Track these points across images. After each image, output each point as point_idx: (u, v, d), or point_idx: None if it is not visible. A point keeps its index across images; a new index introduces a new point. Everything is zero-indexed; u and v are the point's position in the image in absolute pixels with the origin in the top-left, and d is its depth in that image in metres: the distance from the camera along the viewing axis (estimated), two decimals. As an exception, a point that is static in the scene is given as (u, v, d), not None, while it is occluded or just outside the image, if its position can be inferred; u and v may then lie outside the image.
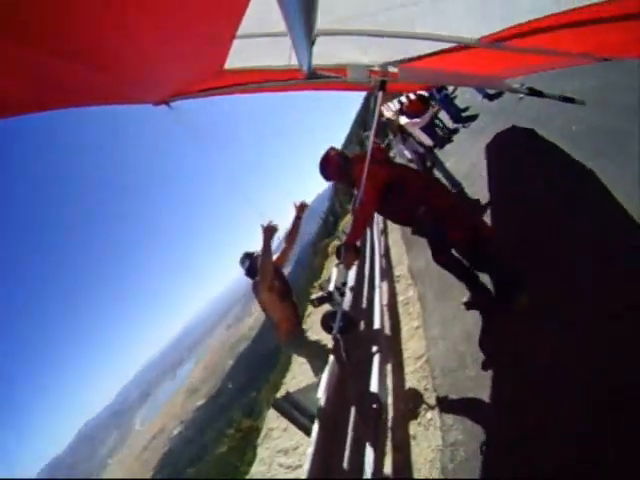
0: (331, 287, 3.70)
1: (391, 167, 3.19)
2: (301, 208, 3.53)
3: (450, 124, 9.05)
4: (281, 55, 2.09)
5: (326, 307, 4.49)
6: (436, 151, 8.01)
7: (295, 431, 4.55)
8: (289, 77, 2.52)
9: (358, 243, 3.24)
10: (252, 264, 3.34)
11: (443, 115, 9.18)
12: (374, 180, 2.76)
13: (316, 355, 3.36)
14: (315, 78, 2.24)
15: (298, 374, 6.43)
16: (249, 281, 3.42)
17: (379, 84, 2.40)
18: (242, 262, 3.45)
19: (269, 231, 3.07)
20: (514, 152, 5.30)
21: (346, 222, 17.80)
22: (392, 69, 2.48)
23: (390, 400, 3.24)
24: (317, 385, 2.62)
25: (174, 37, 1.42)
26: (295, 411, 2.58)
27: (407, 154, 8.08)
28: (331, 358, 2.55)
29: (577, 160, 3.76)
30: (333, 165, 3.15)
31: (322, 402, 2.11)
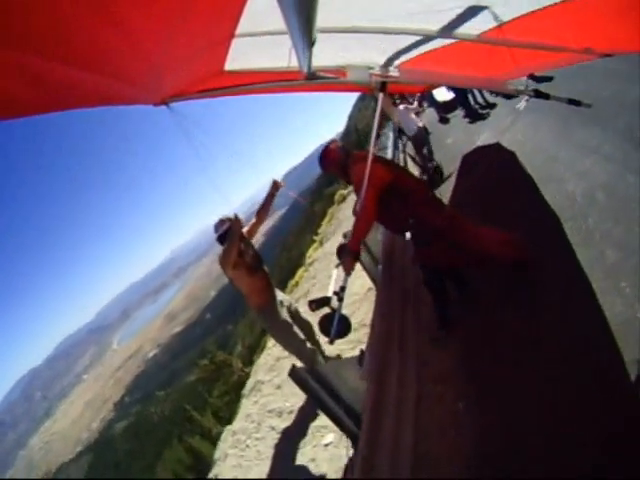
0: (330, 291, 3.50)
1: (394, 170, 2.98)
2: (276, 187, 3.57)
3: (490, 97, 8.14)
4: (281, 56, 2.09)
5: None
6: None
7: (291, 392, 4.11)
8: (289, 78, 2.55)
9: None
10: (224, 233, 3.30)
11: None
12: (375, 180, 2.57)
13: (285, 336, 3.42)
14: (315, 79, 2.27)
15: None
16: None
17: (379, 85, 2.42)
18: (216, 228, 3.36)
19: (237, 225, 3.18)
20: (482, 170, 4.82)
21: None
22: (392, 70, 2.50)
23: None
24: (347, 363, 2.21)
25: (175, 39, 1.43)
26: (318, 385, 2.14)
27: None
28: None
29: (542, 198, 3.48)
30: (332, 157, 3.06)
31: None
